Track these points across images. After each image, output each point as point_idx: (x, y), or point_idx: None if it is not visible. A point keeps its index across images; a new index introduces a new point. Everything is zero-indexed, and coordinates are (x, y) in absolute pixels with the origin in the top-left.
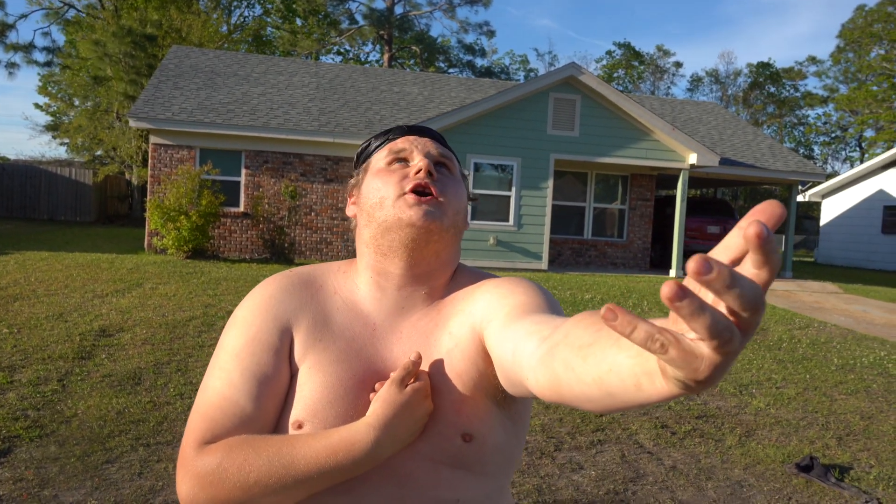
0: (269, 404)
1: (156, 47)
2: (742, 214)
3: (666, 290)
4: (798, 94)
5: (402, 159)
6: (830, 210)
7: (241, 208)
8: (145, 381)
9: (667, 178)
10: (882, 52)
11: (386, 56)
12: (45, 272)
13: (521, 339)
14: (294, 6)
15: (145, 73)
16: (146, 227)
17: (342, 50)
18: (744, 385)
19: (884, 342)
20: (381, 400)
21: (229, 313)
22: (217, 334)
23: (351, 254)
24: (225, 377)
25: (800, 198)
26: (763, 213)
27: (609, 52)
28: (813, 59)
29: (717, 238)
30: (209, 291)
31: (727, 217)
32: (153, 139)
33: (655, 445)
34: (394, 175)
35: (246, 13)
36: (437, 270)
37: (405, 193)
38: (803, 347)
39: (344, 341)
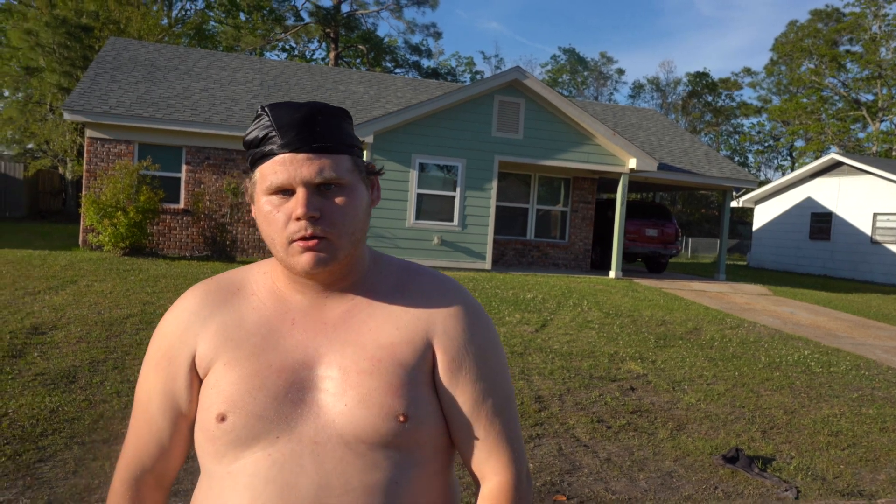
0: (181, 420)
1: (92, 39)
2: (679, 218)
3: None
4: (734, 104)
5: (284, 191)
6: (763, 216)
7: (182, 205)
8: (80, 380)
9: (608, 182)
10: (811, 66)
11: (332, 55)
12: None
13: (467, 445)
14: (238, 1)
15: (80, 65)
16: (81, 223)
17: (287, 47)
18: (677, 381)
19: (808, 341)
20: None
21: None
22: None
23: None
24: (146, 389)
25: (734, 203)
26: None
27: (554, 57)
28: (748, 71)
29: (656, 241)
30: (147, 289)
31: (665, 220)
32: (89, 133)
33: (591, 439)
34: (280, 214)
35: (188, 6)
36: (349, 272)
37: (293, 241)
38: (734, 346)
39: (259, 337)
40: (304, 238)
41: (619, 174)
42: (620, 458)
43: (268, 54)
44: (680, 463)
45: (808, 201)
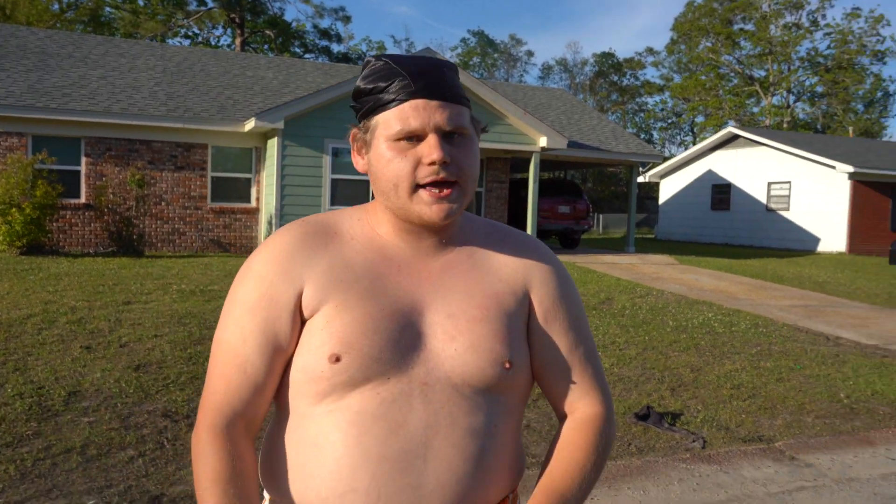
0: (278, 362)
1: None
2: (590, 196)
3: None
4: (638, 83)
5: (412, 137)
6: (668, 190)
7: (83, 199)
8: None
9: (520, 161)
10: (709, 44)
11: (238, 40)
12: None
13: (559, 385)
14: None
15: None
16: None
17: (191, 33)
18: None
19: (711, 305)
20: None
21: (73, 309)
22: (60, 331)
23: (206, 245)
24: (238, 332)
25: (641, 179)
26: None
27: (464, 41)
28: (651, 51)
29: (568, 217)
30: (49, 288)
31: (577, 198)
32: None
33: None
34: (405, 160)
35: None
36: (454, 224)
37: (422, 187)
38: (643, 313)
39: (368, 280)
40: (435, 183)
41: (531, 153)
42: (539, 423)
43: (170, 41)
44: None
45: (709, 174)
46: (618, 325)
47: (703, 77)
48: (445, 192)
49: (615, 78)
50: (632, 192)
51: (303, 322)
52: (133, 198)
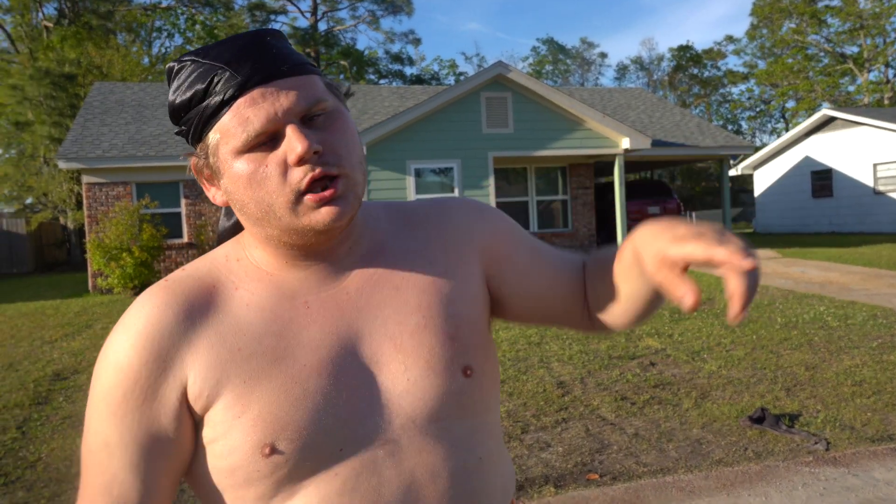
0: (162, 477)
1: (77, 86)
2: (680, 194)
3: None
4: (720, 73)
5: (264, 140)
6: (763, 181)
7: (185, 239)
8: None
9: (604, 165)
10: (792, 25)
11: None
12: None
13: (565, 270)
14: (215, 32)
15: (69, 113)
16: (88, 268)
17: None
18: (695, 352)
19: (822, 298)
20: None
21: None
22: None
23: None
24: (100, 441)
25: (732, 172)
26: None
27: (535, 49)
28: (730, 39)
29: (658, 218)
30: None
31: (665, 197)
32: (86, 179)
33: (617, 416)
34: (268, 172)
35: (167, 44)
36: (350, 227)
37: (301, 195)
38: (749, 311)
39: (272, 337)
40: (313, 182)
41: (614, 155)
42: (648, 431)
43: None
44: (708, 429)
45: (807, 160)
46: (722, 325)
47: (790, 60)
48: (328, 191)
49: (695, 70)
50: (724, 187)
51: (194, 419)
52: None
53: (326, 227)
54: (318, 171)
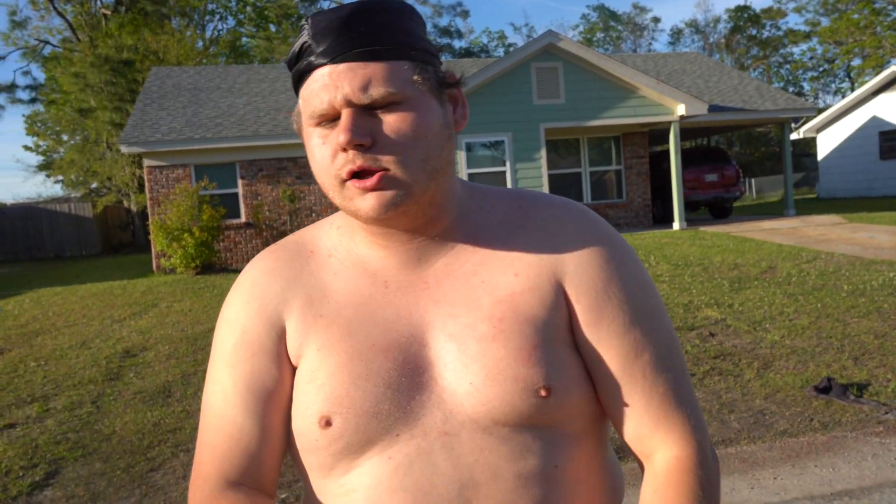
0: (274, 419)
1: (135, 72)
2: (739, 160)
3: None
4: (780, 33)
5: (327, 118)
6: (826, 144)
7: (243, 218)
8: (175, 393)
9: (659, 133)
10: None
11: None
12: (61, 305)
13: (619, 411)
14: (266, 13)
15: (129, 98)
16: (152, 249)
17: None
18: (757, 321)
19: (892, 264)
20: None
21: None
22: None
23: None
24: (219, 391)
25: (794, 136)
26: None
27: (585, 17)
28: None
29: (717, 185)
30: (223, 302)
31: (724, 164)
32: (147, 162)
33: None
34: (325, 148)
35: (220, 27)
36: (439, 213)
37: (345, 181)
38: (812, 279)
39: (351, 309)
40: (354, 174)
41: (669, 123)
42: (709, 402)
43: None
44: (771, 400)
45: (874, 121)
46: (784, 293)
47: (856, 15)
48: (370, 181)
49: (753, 31)
50: (785, 151)
51: (293, 369)
52: (286, 212)
53: (366, 215)
54: (357, 164)
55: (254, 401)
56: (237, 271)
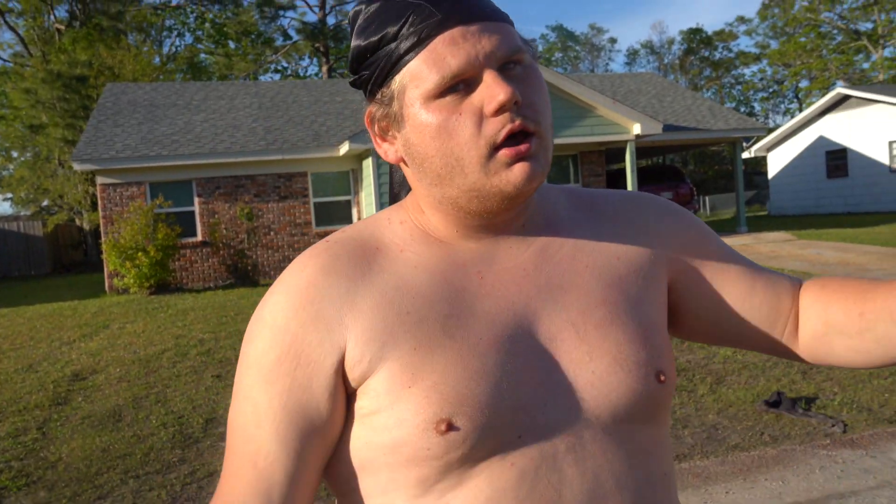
0: (314, 451)
1: (89, 88)
2: (693, 178)
3: None
4: (732, 55)
5: (458, 84)
6: (777, 162)
7: (199, 237)
8: (126, 417)
9: (615, 152)
10: (805, 3)
11: (325, 68)
12: (7, 327)
13: (768, 286)
14: (225, 30)
15: (82, 115)
16: (105, 269)
17: (280, 67)
18: None
19: None
20: None
21: (201, 341)
22: (192, 362)
23: None
24: (250, 411)
25: (746, 154)
26: None
27: (543, 36)
28: (742, 19)
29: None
30: (178, 323)
31: (678, 182)
32: (100, 180)
33: None
34: (463, 118)
35: (177, 42)
36: (529, 200)
37: (497, 148)
38: None
39: (445, 303)
40: (512, 137)
41: (625, 142)
42: None
43: (262, 77)
44: (723, 415)
45: (821, 140)
46: None
47: (803, 39)
48: (524, 145)
49: (706, 53)
50: (737, 170)
51: (347, 391)
52: (244, 231)
53: (517, 187)
54: (517, 122)
55: (289, 427)
56: (193, 291)
